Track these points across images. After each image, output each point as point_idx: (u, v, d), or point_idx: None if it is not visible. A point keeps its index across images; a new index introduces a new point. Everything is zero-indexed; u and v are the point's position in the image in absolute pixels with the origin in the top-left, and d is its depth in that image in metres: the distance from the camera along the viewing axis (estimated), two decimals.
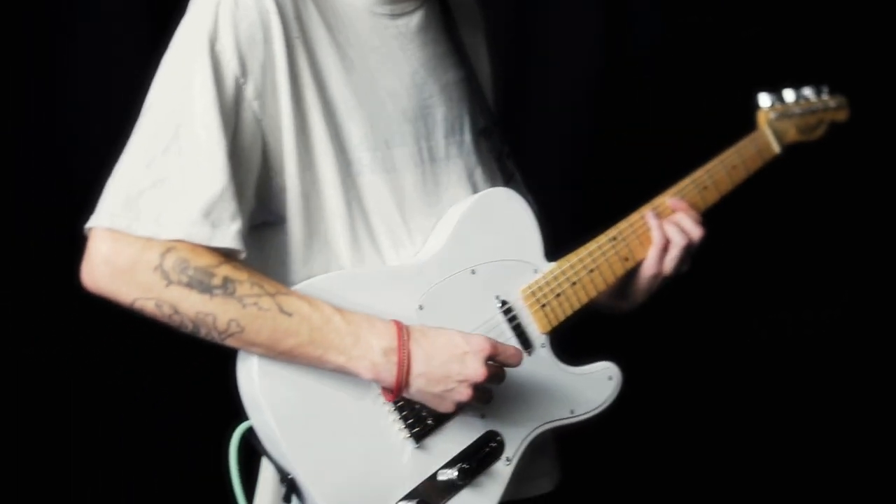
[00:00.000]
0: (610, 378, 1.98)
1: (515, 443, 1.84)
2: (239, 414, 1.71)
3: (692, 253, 2.10)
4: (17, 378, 2.64)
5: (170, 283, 1.59)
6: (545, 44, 3.02)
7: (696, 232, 2.09)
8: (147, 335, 1.97)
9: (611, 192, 2.18)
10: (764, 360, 3.19)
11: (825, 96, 2.44)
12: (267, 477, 1.84)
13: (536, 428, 1.88)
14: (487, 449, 1.81)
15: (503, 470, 1.82)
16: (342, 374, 1.67)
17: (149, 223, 1.60)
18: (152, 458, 2.79)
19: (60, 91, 2.72)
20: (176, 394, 2.75)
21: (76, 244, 1.67)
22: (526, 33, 3.01)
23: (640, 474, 3.03)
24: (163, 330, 1.67)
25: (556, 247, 2.00)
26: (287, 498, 1.68)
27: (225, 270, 1.62)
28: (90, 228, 1.63)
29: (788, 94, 2.38)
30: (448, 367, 1.68)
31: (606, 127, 3.03)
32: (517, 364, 1.76)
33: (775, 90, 2.37)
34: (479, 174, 1.98)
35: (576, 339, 2.00)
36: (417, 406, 1.74)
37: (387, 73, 1.85)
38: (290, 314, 1.63)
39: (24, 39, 2.68)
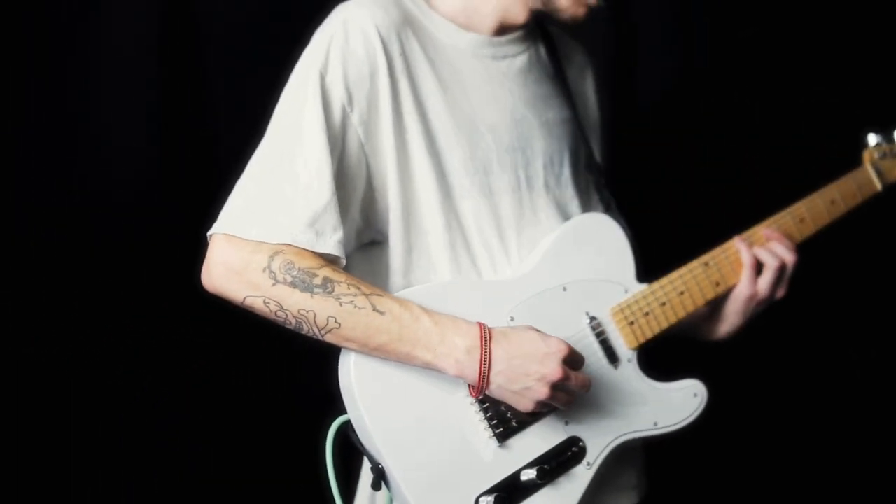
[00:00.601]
0: (695, 395, 2.09)
1: (597, 450, 1.96)
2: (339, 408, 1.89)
3: (787, 278, 2.18)
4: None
5: (276, 282, 1.79)
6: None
7: (788, 256, 2.18)
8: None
9: (710, 224, 2.25)
10: (855, 393, 3.18)
11: None
12: (367, 470, 2.00)
13: (619, 437, 1.99)
14: (569, 453, 1.94)
15: (583, 473, 1.94)
16: (431, 371, 1.84)
17: (261, 229, 1.81)
18: (250, 452, 2.88)
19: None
20: (275, 388, 2.86)
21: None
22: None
23: (727, 492, 3.05)
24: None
25: (651, 272, 2.12)
26: (376, 485, 1.84)
27: (325, 272, 1.81)
28: (211, 235, 1.85)
29: None
30: (526, 366, 1.83)
31: (711, 162, 3.11)
32: (581, 366, 1.90)
33: (885, 129, 2.43)
34: (575, 205, 2.13)
35: (669, 358, 2.11)
36: (503, 407, 1.88)
37: (487, 108, 2.03)
38: (382, 313, 1.81)
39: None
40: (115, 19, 2.79)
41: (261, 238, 1.81)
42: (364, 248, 1.99)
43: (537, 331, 1.87)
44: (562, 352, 1.84)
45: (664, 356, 2.12)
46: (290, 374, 2.76)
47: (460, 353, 1.82)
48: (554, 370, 1.83)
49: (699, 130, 3.14)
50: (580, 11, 2.06)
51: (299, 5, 2.33)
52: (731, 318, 2.21)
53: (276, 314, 1.82)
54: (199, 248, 1.89)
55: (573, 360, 1.88)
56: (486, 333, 1.84)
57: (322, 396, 1.95)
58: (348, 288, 1.81)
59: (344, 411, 1.87)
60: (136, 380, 2.79)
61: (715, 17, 3.16)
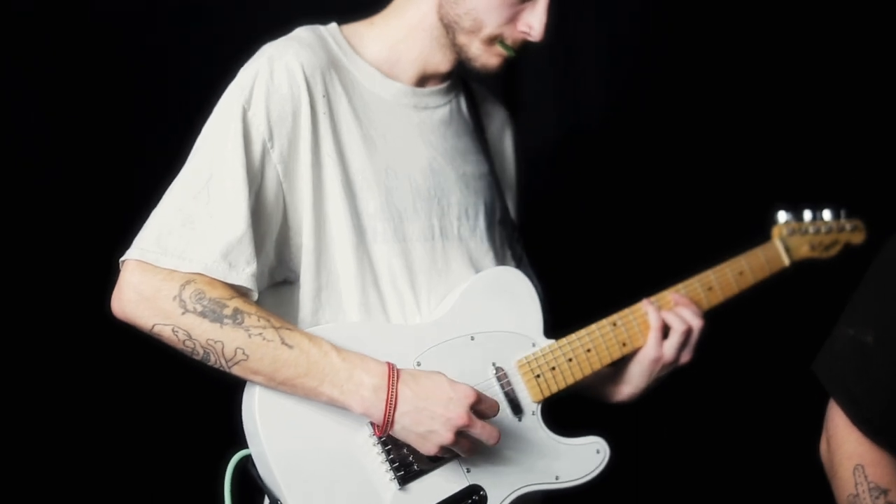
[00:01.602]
0: (598, 451, 2.13)
1: (497, 499, 1.99)
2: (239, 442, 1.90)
3: (693, 343, 2.24)
4: (17, 378, 2.79)
5: (186, 311, 1.82)
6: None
7: (695, 321, 2.24)
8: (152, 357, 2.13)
9: (620, 284, 2.32)
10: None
11: (843, 219, 2.58)
12: None
13: (519, 488, 2.03)
14: (469, 501, 1.96)
15: None
16: (336, 408, 1.86)
17: (174, 258, 1.84)
18: (149, 479, 2.89)
19: None
20: (177, 419, 2.87)
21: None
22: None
23: None
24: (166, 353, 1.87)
25: (558, 328, 2.17)
26: None
27: (236, 303, 1.84)
28: (124, 260, 1.87)
29: (806, 214, 2.53)
30: (432, 409, 1.86)
31: (627, 224, 3.20)
32: (494, 415, 1.94)
33: (795, 207, 2.53)
34: (488, 259, 2.18)
35: (572, 415, 2.15)
36: (405, 450, 1.91)
37: (406, 156, 2.09)
38: (291, 346, 1.84)
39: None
40: None
41: (173, 266, 1.84)
42: (275, 287, 2.02)
43: (446, 376, 1.91)
44: (469, 398, 1.88)
45: (569, 411, 2.16)
46: (191, 405, 2.76)
47: (367, 391, 1.85)
48: (459, 415, 1.86)
49: (613, 192, 3.23)
50: (492, 62, 2.09)
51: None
52: (634, 381, 2.26)
53: (184, 343, 1.84)
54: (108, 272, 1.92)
55: (482, 409, 1.91)
56: (394, 373, 1.87)
57: (223, 430, 1.97)
58: (258, 320, 1.84)
59: (245, 446, 1.89)
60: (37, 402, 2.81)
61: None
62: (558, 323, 2.18)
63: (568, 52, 3.21)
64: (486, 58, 2.09)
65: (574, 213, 3.13)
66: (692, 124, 3.23)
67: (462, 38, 2.07)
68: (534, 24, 2.04)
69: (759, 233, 2.50)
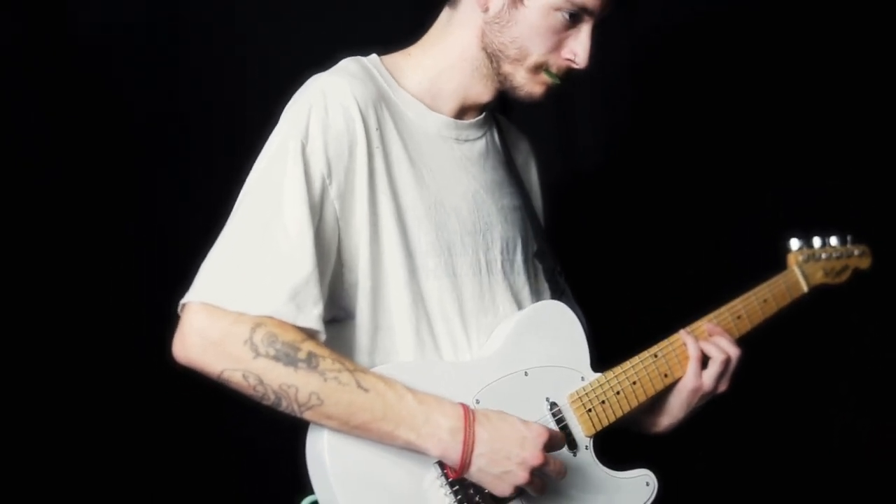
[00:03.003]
0: (647, 484, 2.18)
1: None
2: (303, 488, 1.91)
3: (731, 373, 2.31)
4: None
5: (258, 355, 1.80)
6: None
7: (733, 350, 2.30)
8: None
9: (656, 315, 2.38)
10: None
11: (849, 245, 2.70)
12: None
13: None
14: None
15: None
16: (410, 451, 1.87)
17: (241, 300, 1.82)
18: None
19: None
20: (246, 465, 2.88)
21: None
22: None
23: None
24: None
25: (601, 359, 2.22)
26: None
27: (309, 346, 1.83)
28: (185, 304, 1.85)
29: (816, 241, 2.64)
30: (509, 450, 1.89)
31: (658, 259, 3.29)
32: (561, 447, 2.00)
33: (805, 235, 2.64)
34: (525, 292, 2.22)
35: (622, 446, 2.20)
36: (471, 490, 1.93)
37: (452, 189, 2.11)
38: (367, 390, 1.84)
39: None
40: None
41: (242, 309, 1.82)
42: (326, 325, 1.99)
43: (517, 417, 1.93)
44: (542, 437, 1.91)
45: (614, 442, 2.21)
46: (254, 448, 2.75)
47: (444, 434, 1.87)
48: (535, 455, 1.89)
49: (621, 227, 3.31)
50: (537, 90, 2.12)
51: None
52: (674, 411, 2.32)
53: (254, 388, 1.82)
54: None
55: (552, 445, 1.95)
56: (470, 415, 1.89)
57: (285, 472, 1.97)
58: (333, 363, 1.84)
59: (310, 490, 1.89)
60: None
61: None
62: (603, 355, 2.23)
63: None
64: (532, 86, 2.12)
65: (586, 248, 3.19)
66: (688, 155, 3.31)
67: (507, 67, 2.10)
68: (578, 51, 2.08)
69: (769, 259, 2.58)
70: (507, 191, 2.25)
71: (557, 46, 2.09)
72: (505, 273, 2.18)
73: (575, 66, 2.10)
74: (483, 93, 2.16)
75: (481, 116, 2.21)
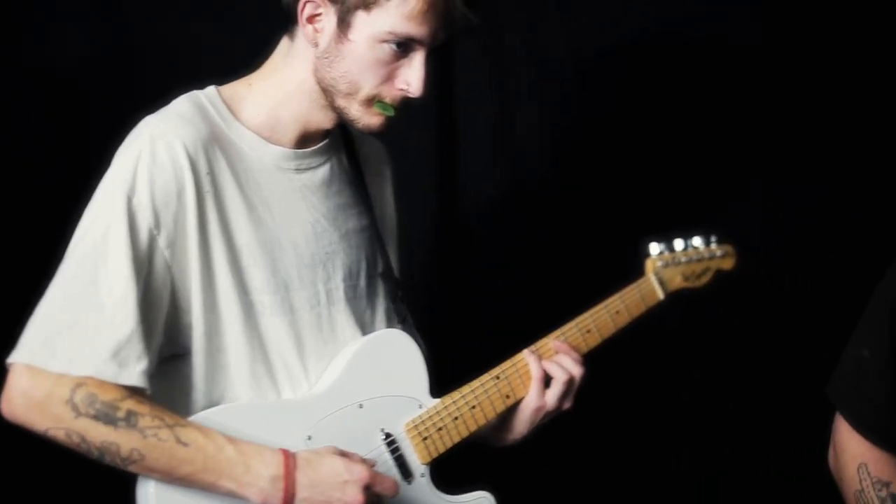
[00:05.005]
0: None
1: None
2: None
3: (574, 390, 2.42)
4: None
5: (79, 415, 1.93)
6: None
7: (576, 370, 2.41)
8: None
9: (501, 334, 2.49)
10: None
11: (713, 245, 2.79)
12: None
13: None
14: None
15: None
16: (235, 498, 2.01)
17: (63, 361, 1.94)
18: None
19: None
20: None
21: None
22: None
23: None
24: None
25: (444, 385, 2.34)
26: None
27: (129, 404, 1.96)
28: (11, 364, 1.97)
29: (678, 243, 2.72)
30: (329, 494, 2.02)
31: (501, 267, 3.40)
32: (393, 495, 2.11)
33: (666, 238, 2.72)
34: (368, 316, 2.33)
35: (459, 469, 2.34)
36: None
37: (289, 222, 2.20)
38: (186, 444, 1.97)
39: None
40: None
41: (63, 370, 1.93)
42: (164, 362, 2.10)
43: (343, 456, 2.06)
44: (364, 479, 2.03)
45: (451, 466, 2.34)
46: None
47: (265, 483, 1.99)
48: (354, 498, 2.02)
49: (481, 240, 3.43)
50: (374, 122, 2.17)
51: None
52: (518, 428, 2.43)
53: (78, 445, 1.94)
54: None
55: (378, 489, 2.07)
56: (290, 461, 2.02)
57: None
58: (152, 420, 1.96)
59: None
60: None
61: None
62: (443, 380, 2.35)
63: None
64: (367, 119, 2.18)
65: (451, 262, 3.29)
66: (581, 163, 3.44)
67: (341, 101, 2.16)
68: (412, 80, 2.14)
69: (633, 263, 2.69)
70: (352, 212, 2.34)
71: (390, 77, 2.14)
72: (348, 300, 2.28)
73: (410, 95, 2.15)
74: (324, 121, 2.23)
75: (324, 143, 2.28)
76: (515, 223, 3.43)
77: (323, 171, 2.29)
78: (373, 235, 2.39)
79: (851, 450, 2.40)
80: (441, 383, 2.35)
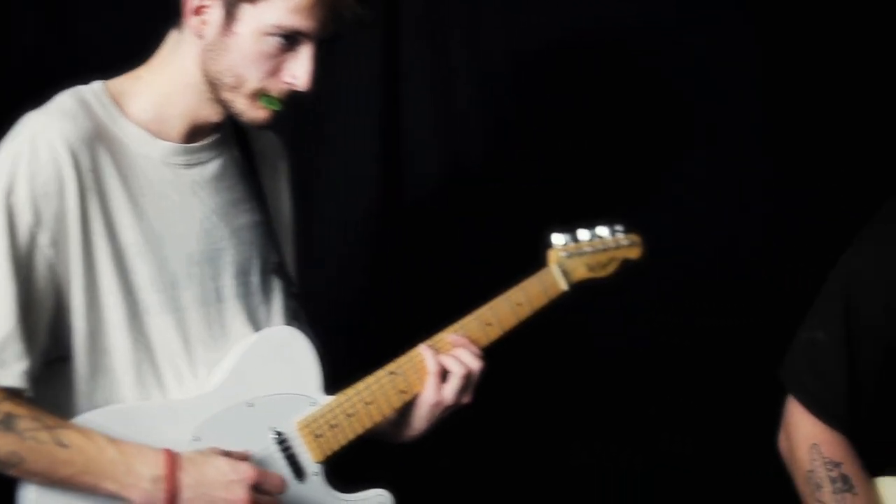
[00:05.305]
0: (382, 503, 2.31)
1: None
2: None
3: (473, 384, 2.40)
4: None
5: None
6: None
7: (474, 364, 2.39)
8: None
9: (398, 328, 2.47)
10: None
11: (619, 234, 2.76)
12: None
13: None
14: None
15: None
16: (118, 500, 1.99)
17: None
18: None
19: None
20: None
21: None
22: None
23: None
24: None
25: (339, 382, 2.32)
26: None
27: (6, 406, 1.94)
28: None
29: (582, 234, 2.69)
30: (214, 494, 2.01)
31: (394, 264, 3.39)
32: (281, 492, 2.09)
33: (570, 229, 2.69)
34: (263, 313, 2.31)
35: (356, 466, 2.32)
36: None
37: (177, 219, 2.18)
38: (66, 446, 1.95)
39: None
40: None
41: None
42: (52, 364, 2.08)
43: (227, 455, 2.05)
44: (249, 479, 2.02)
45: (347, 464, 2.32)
46: None
47: (146, 483, 1.98)
48: (241, 497, 2.01)
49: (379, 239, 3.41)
50: (259, 115, 2.16)
51: None
52: (415, 424, 2.41)
53: None
54: None
55: (265, 487, 2.06)
56: (172, 462, 2.00)
57: None
58: (31, 422, 1.94)
59: None
60: None
61: None
62: (339, 377, 2.33)
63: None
64: (252, 112, 2.16)
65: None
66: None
67: (227, 94, 2.15)
68: (299, 73, 2.12)
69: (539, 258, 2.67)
70: (245, 208, 2.32)
71: (276, 71, 2.12)
72: (238, 297, 2.26)
73: (297, 88, 2.14)
74: (213, 114, 2.20)
75: (215, 137, 2.26)
76: (431, 217, 3.42)
77: (213, 165, 2.26)
78: (267, 231, 2.37)
79: (804, 431, 2.44)
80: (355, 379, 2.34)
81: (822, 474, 2.39)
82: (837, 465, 2.39)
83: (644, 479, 3.45)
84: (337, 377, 2.33)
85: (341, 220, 3.37)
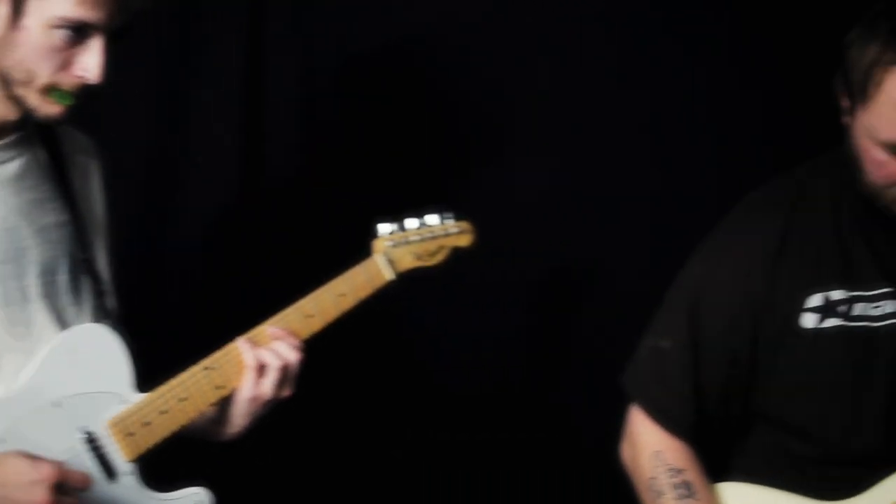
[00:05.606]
0: (199, 503, 2.28)
1: None
2: None
3: (292, 377, 2.39)
4: None
5: None
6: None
7: (291, 356, 2.37)
8: None
9: (225, 323, 2.42)
10: None
11: (448, 222, 2.75)
12: None
13: None
14: None
15: None
16: None
17: None
18: None
19: None
20: None
21: None
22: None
23: None
24: None
25: (154, 379, 2.29)
26: None
27: None
28: None
29: (410, 222, 2.67)
30: (14, 495, 1.97)
31: (222, 259, 3.38)
32: (84, 488, 2.06)
33: (397, 218, 2.68)
34: (72, 313, 2.28)
35: (173, 465, 2.29)
36: None
37: None
38: None
39: None
40: None
41: None
42: None
43: (28, 456, 2.01)
44: (51, 478, 1.98)
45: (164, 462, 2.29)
46: None
47: None
48: (41, 498, 1.97)
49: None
50: (52, 111, 2.13)
51: None
52: (235, 421, 2.38)
53: None
54: None
55: (69, 485, 2.02)
56: None
57: None
58: None
59: None
60: None
61: None
62: (155, 374, 2.30)
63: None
64: (45, 108, 2.13)
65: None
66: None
67: (19, 90, 2.11)
68: (89, 65, 2.10)
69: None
70: (50, 207, 2.28)
71: (66, 64, 2.09)
72: (45, 297, 2.23)
73: (89, 81, 2.11)
74: (8, 112, 2.17)
75: (15, 136, 2.22)
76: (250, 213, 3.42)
77: (14, 165, 2.23)
78: (75, 230, 2.34)
79: (646, 439, 2.49)
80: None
81: (664, 481, 2.42)
82: (680, 471, 2.43)
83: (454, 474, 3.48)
84: (163, 376, 2.31)
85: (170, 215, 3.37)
